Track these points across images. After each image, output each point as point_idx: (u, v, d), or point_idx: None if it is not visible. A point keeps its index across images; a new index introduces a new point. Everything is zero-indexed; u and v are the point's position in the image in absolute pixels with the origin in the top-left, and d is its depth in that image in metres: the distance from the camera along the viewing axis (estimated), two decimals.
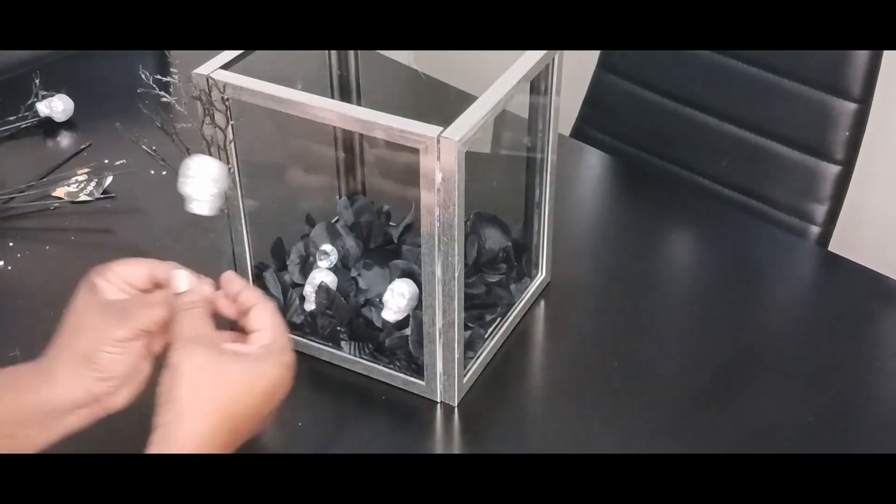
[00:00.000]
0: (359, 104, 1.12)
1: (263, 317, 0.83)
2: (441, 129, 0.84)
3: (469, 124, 0.85)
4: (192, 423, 0.77)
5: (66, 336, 0.84)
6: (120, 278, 0.86)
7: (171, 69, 0.90)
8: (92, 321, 0.84)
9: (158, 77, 0.89)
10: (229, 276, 0.86)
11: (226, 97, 0.90)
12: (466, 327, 0.99)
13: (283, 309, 1.04)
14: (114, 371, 0.83)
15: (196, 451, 0.76)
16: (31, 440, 0.83)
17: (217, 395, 0.77)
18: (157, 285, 0.86)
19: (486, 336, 1.03)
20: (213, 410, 0.77)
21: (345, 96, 1.13)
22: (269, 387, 0.80)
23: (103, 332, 0.83)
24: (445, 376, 0.98)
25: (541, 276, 1.11)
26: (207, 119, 0.91)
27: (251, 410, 0.79)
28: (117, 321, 0.83)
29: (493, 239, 1.08)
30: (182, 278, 0.84)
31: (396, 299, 1.01)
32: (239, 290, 0.85)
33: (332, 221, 1.11)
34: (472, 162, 0.87)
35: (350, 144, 1.15)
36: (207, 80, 0.90)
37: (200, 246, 1.12)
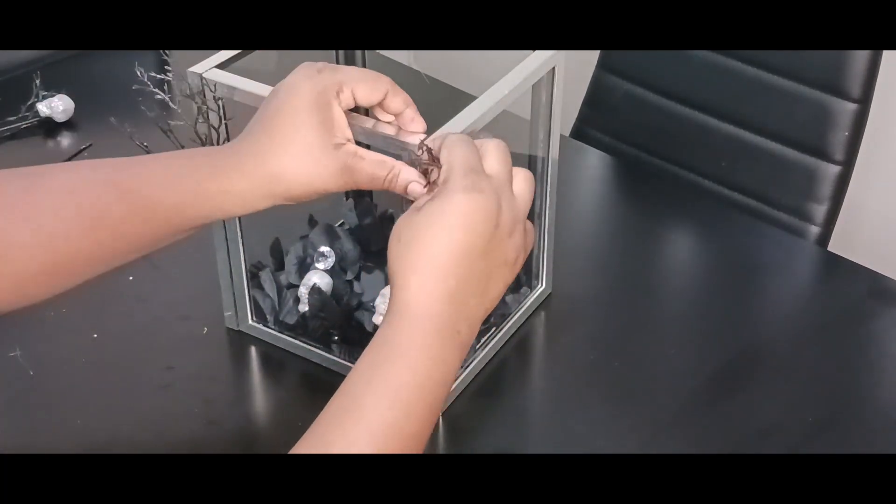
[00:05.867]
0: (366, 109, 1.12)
1: (444, 154, 0.76)
2: (424, 136, 0.83)
3: (455, 132, 0.84)
4: (421, 285, 0.72)
5: (272, 163, 0.77)
6: (351, 101, 0.80)
7: (166, 67, 0.90)
8: (308, 165, 0.77)
9: (153, 75, 0.89)
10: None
11: (217, 97, 0.90)
12: None
13: (278, 309, 1.04)
14: (304, 199, 0.79)
15: (437, 304, 0.71)
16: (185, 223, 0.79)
17: (423, 251, 0.71)
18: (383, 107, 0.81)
19: (476, 346, 1.03)
20: (430, 266, 0.71)
21: None
22: (456, 220, 0.71)
23: (317, 181, 0.77)
24: None
25: (541, 287, 1.10)
26: (201, 118, 0.91)
27: (462, 247, 0.71)
28: (338, 176, 0.77)
29: None
30: (414, 187, 0.78)
31: (386, 304, 1.00)
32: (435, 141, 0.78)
33: (337, 224, 1.11)
34: None
35: (357, 144, 1.14)
36: (201, 80, 0.90)
37: (198, 245, 1.12)
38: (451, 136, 0.76)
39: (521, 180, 0.77)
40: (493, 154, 0.76)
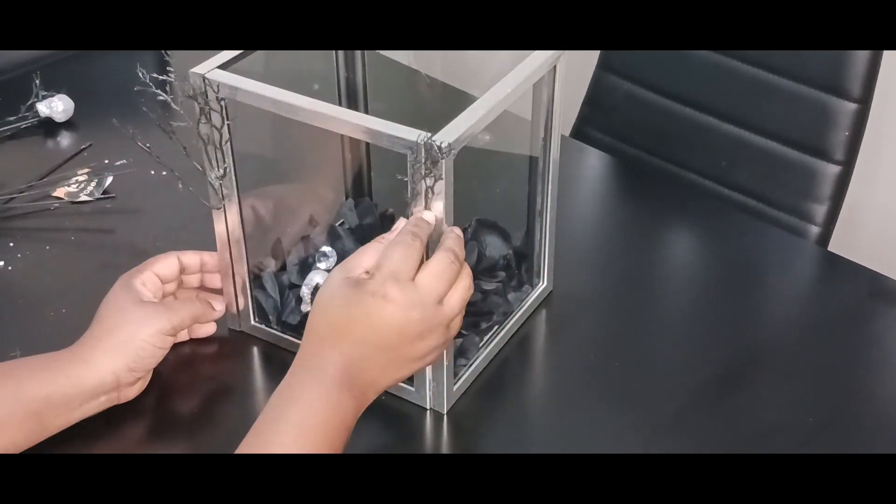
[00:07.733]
0: (365, 107, 1.11)
1: (382, 253, 0.84)
2: (428, 134, 0.84)
3: (458, 132, 0.84)
4: (332, 349, 0.82)
5: (106, 328, 0.94)
6: (155, 279, 0.99)
7: (168, 67, 0.90)
8: (133, 315, 0.94)
9: (155, 75, 0.89)
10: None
11: (220, 97, 0.90)
12: (460, 334, 0.98)
13: (280, 309, 1.04)
14: (146, 363, 0.94)
15: (339, 371, 0.82)
16: (54, 421, 0.91)
17: (332, 325, 0.83)
18: (183, 271, 1.02)
19: (480, 344, 1.03)
20: (337, 335, 0.82)
21: (351, 98, 1.12)
22: (364, 313, 0.82)
23: (145, 325, 0.93)
24: (434, 383, 0.97)
25: (542, 285, 1.10)
26: (203, 119, 0.91)
27: (361, 336, 0.82)
28: (161, 315, 0.94)
29: (494, 246, 1.07)
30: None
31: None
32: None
33: (338, 224, 1.11)
34: (472, 166, 0.86)
35: (357, 145, 1.15)
36: (203, 80, 0.90)
37: (200, 245, 1.12)
38: (394, 239, 0.84)
39: (458, 297, 0.86)
40: (434, 266, 0.84)
